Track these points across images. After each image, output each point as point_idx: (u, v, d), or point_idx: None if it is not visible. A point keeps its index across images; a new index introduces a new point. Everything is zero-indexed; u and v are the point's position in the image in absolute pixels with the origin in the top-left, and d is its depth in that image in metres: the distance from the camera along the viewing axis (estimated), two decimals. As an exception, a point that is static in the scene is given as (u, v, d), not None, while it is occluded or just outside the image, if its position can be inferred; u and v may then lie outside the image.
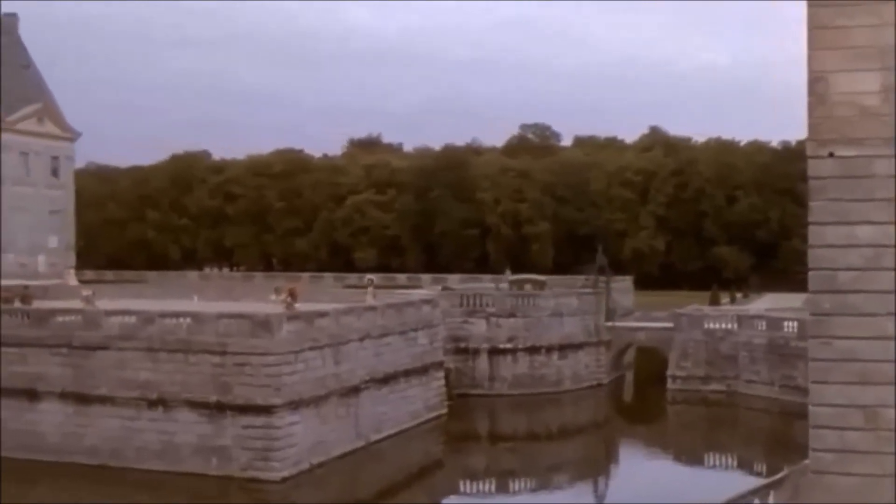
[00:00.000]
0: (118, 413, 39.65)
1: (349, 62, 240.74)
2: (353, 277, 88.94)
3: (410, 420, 48.10)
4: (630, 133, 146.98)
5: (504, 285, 71.59)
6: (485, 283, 77.59)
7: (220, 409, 38.21)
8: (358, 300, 51.58)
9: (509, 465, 46.08)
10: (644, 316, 70.30)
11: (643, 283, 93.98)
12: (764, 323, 59.09)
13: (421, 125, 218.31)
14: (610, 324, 65.65)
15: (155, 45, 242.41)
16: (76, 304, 46.92)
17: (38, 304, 47.57)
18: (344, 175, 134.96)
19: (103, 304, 46.87)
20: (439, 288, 71.70)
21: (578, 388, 61.74)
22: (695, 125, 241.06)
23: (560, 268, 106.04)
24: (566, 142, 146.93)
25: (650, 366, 67.90)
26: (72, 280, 77.84)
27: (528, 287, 61.48)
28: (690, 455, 49.28)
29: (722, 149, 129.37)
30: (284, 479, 37.85)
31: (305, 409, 39.30)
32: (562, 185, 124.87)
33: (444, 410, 52.10)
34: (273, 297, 47.11)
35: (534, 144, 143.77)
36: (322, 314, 42.25)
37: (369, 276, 55.03)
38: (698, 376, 60.81)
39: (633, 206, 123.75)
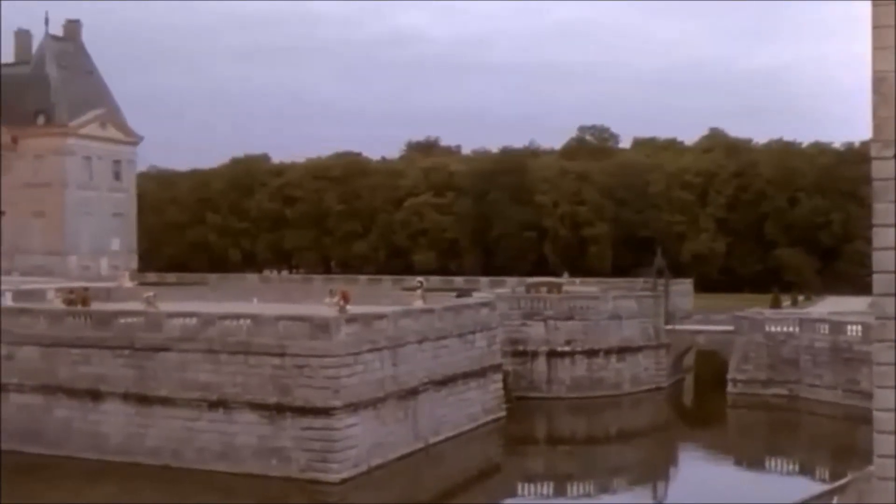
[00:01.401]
0: (179, 414, 40.06)
1: (407, 66, 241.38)
2: (411, 280, 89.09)
3: (468, 422, 48.08)
4: (690, 135, 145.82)
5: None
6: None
7: (279, 410, 38.47)
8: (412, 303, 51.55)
9: (567, 469, 45.92)
10: (704, 319, 69.72)
11: (703, 286, 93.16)
12: (827, 326, 58.30)
13: (479, 128, 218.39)
14: (669, 327, 65.18)
15: (216, 52, 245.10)
16: (138, 305, 47.43)
17: (100, 306, 48.10)
18: (402, 178, 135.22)
19: (164, 305, 47.37)
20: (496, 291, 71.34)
21: (637, 391, 61.37)
22: (755, 127, 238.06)
23: (619, 270, 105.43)
24: (625, 144, 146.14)
25: (710, 369, 67.28)
26: (126, 282, 78.77)
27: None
28: (751, 459, 48.67)
29: (783, 150, 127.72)
30: (343, 481, 38.00)
31: (364, 411, 39.44)
32: (621, 187, 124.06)
33: (503, 413, 52.00)
34: (327, 300, 47.36)
35: (592, 146, 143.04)
36: (380, 316, 42.38)
37: (419, 278, 54.89)
38: (759, 380, 60.18)
39: (692, 208, 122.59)
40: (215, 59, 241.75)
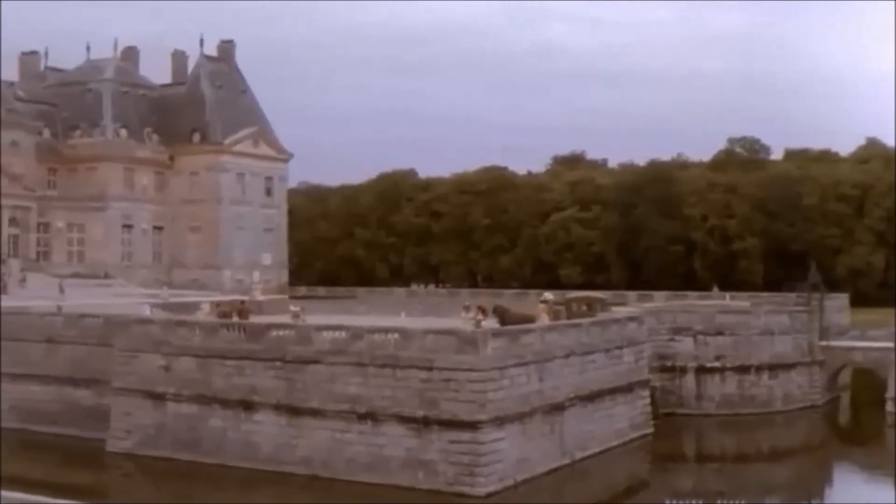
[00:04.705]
0: (329, 425, 40.67)
1: (552, 78, 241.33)
2: (557, 294, 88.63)
3: (616, 438, 47.59)
4: (844, 145, 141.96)
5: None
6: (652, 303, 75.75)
7: (426, 423, 38.74)
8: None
9: (717, 486, 45.00)
10: (861, 335, 67.45)
11: (859, 301, 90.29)
12: None
13: (625, 141, 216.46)
14: (824, 343, 63.35)
15: (364, 69, 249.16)
16: (286, 319, 48.40)
17: (252, 319, 49.28)
18: (548, 192, 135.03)
19: (312, 319, 48.22)
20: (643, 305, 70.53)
21: (790, 408, 59.78)
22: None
23: (770, 285, 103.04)
24: (776, 155, 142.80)
25: (867, 387, 65.09)
26: (258, 295, 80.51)
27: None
28: (912, 481, 46.88)
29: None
30: (489, 495, 38.00)
31: (510, 426, 39.42)
32: (772, 199, 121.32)
33: (650, 429, 51.31)
34: (463, 314, 47.56)
35: (742, 158, 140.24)
36: (527, 331, 42.34)
37: (547, 293, 54.19)
38: (920, 399, 57.96)
39: (848, 220, 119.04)
40: (364, 75, 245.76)
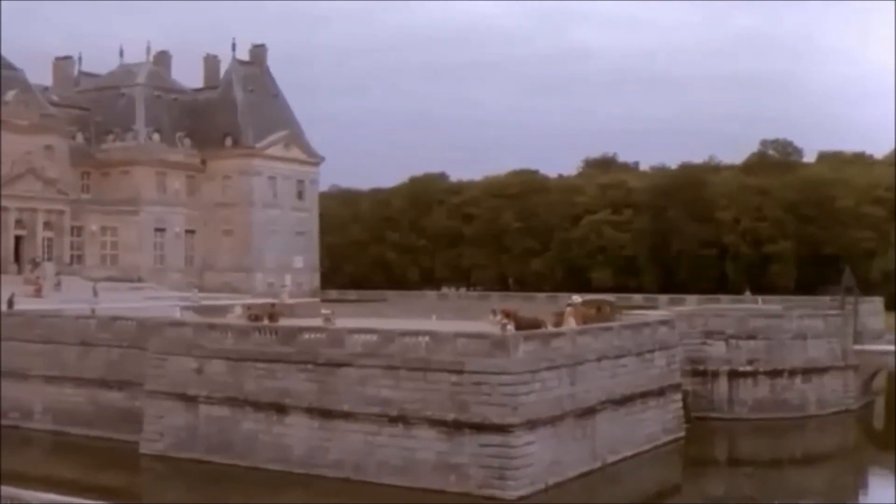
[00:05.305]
0: (360, 428, 40.76)
1: (584, 82, 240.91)
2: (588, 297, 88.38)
3: (647, 443, 47.42)
4: (879, 148, 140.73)
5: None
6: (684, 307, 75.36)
7: (457, 427, 38.75)
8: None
9: (750, 491, 44.76)
10: (896, 339, 66.84)
11: (894, 305, 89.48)
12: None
13: (657, 143, 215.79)
14: (858, 347, 62.84)
15: (395, 72, 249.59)
16: (318, 322, 48.52)
17: (283, 322, 49.44)
18: (579, 195, 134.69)
19: (343, 322, 48.33)
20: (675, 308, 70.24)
21: (824, 413, 59.32)
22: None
23: (803, 288, 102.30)
24: (809, 158, 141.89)
25: (903, 392, 64.60)
26: (287, 299, 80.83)
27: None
28: (949, 486, 46.42)
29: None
30: (520, 499, 37.97)
31: (541, 429, 39.37)
32: (805, 202, 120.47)
33: (682, 434, 51.09)
34: (490, 317, 47.54)
35: (775, 161, 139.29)
36: (558, 334, 42.28)
37: (575, 296, 53.91)
38: (956, 404, 57.46)
39: (883, 224, 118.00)
40: (393, 78, 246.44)
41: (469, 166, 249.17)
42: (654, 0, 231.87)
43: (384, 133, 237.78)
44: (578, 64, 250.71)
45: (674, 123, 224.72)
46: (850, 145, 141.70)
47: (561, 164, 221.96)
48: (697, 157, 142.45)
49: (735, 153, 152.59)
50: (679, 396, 51.83)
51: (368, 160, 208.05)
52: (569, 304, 49.17)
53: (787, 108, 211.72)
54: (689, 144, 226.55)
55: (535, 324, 44.00)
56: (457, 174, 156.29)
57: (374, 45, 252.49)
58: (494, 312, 48.71)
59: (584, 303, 53.71)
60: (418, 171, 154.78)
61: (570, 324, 45.47)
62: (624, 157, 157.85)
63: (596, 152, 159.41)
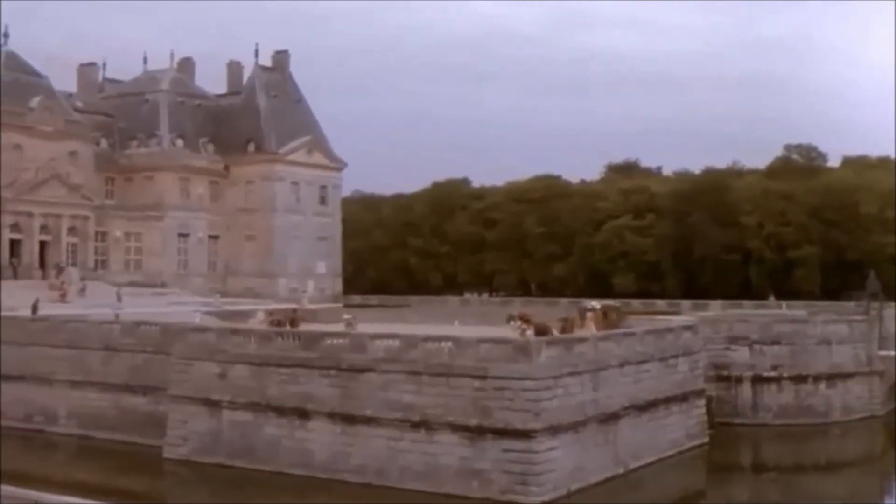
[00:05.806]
0: (383, 434, 40.79)
1: (606, 87, 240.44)
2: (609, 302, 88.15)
3: (670, 448, 47.27)
4: (880, 148, 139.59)
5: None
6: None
7: (480, 432, 38.72)
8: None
9: (774, 497, 44.60)
10: (921, 345, 66.38)
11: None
12: None
13: (680, 148, 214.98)
14: (884, 353, 62.47)
15: (418, 77, 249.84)
16: (340, 327, 48.61)
17: (306, 327, 49.55)
18: (602, 200, 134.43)
19: (365, 327, 48.41)
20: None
21: (849, 419, 58.99)
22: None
23: (827, 294, 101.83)
24: (833, 162, 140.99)
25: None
26: (306, 304, 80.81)
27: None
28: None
29: None
30: (543, 504, 37.93)
31: (564, 435, 39.31)
32: (829, 207, 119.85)
33: (706, 439, 50.91)
34: (510, 323, 47.48)
35: (799, 165, 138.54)
36: (581, 340, 42.21)
37: (593, 302, 53.69)
38: (983, 410, 57.01)
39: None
40: (417, 83, 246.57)
41: (491, 172, 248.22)
42: (681, 0, 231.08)
43: (406, 138, 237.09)
44: (602, 67, 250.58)
45: (697, 128, 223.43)
46: (874, 150, 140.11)
47: (583, 169, 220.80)
48: (721, 162, 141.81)
49: (759, 158, 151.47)
50: (702, 402, 51.65)
51: (391, 166, 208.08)
52: (588, 310, 49.05)
53: (811, 113, 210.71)
54: (712, 149, 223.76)
55: (543, 330, 43.79)
56: (479, 179, 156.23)
57: (397, 49, 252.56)
58: (512, 318, 48.62)
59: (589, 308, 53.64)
60: (441, 176, 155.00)
61: (591, 329, 45.31)
62: (647, 162, 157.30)
63: (618, 157, 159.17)
